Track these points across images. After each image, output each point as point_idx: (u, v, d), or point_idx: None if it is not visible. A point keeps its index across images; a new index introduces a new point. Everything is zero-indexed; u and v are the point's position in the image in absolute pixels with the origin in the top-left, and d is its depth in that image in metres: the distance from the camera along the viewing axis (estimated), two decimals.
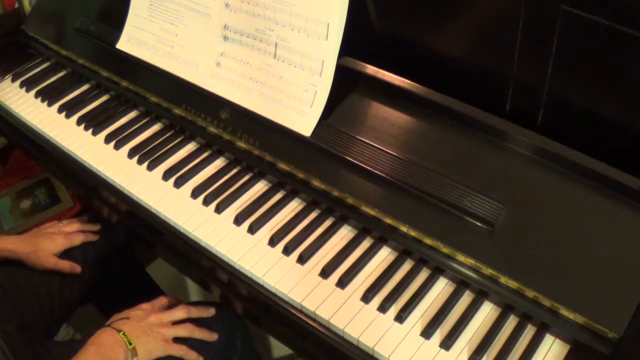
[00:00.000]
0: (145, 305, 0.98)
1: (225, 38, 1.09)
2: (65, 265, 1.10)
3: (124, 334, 0.90)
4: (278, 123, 1.01)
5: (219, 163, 1.08)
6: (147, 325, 0.93)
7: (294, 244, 0.92)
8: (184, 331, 0.96)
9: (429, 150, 0.91)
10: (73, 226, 1.16)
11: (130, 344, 0.89)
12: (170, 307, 1.00)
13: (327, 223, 0.95)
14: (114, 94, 1.26)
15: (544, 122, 0.89)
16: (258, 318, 0.93)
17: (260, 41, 1.04)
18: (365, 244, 0.92)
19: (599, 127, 0.85)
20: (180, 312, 0.98)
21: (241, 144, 1.05)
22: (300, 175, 0.98)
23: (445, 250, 0.85)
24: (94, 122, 1.18)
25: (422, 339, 0.80)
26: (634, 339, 0.73)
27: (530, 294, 0.79)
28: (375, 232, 0.92)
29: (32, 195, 1.67)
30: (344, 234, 0.94)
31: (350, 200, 0.93)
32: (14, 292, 1.05)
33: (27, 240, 1.10)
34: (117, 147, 1.13)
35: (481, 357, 0.77)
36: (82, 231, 1.16)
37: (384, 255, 0.90)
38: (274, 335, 0.95)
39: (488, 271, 0.82)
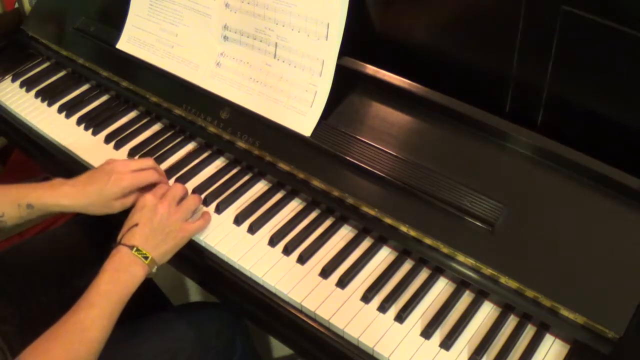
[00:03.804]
0: (149, 199, 0.90)
1: (225, 38, 1.09)
2: (133, 200, 0.94)
3: (137, 249, 0.85)
4: (278, 123, 1.01)
5: (219, 163, 1.08)
6: (159, 224, 0.88)
7: (294, 244, 0.92)
8: (192, 205, 0.93)
9: (429, 150, 0.91)
10: (144, 162, 0.98)
11: (147, 257, 0.85)
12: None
13: (327, 223, 0.95)
14: (114, 94, 1.26)
15: (544, 122, 0.89)
16: (258, 318, 0.93)
17: (260, 41, 1.04)
18: (365, 244, 0.92)
19: (599, 127, 0.85)
20: (180, 189, 0.94)
21: (241, 144, 1.05)
22: (300, 175, 0.98)
23: (445, 250, 0.85)
24: (94, 122, 1.18)
25: (422, 339, 0.80)
26: (634, 339, 0.73)
27: (530, 294, 0.79)
28: (375, 232, 0.92)
29: None
30: (344, 234, 0.94)
31: (350, 200, 0.93)
32: (14, 292, 1.05)
33: (85, 187, 0.93)
34: (117, 147, 1.13)
35: (481, 357, 0.77)
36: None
37: (384, 255, 0.90)
38: (274, 335, 0.95)
39: (488, 271, 0.82)
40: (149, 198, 0.90)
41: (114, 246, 0.87)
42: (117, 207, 0.94)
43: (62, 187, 0.94)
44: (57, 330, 0.78)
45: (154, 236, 0.88)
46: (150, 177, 0.96)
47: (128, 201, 0.95)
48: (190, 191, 1.01)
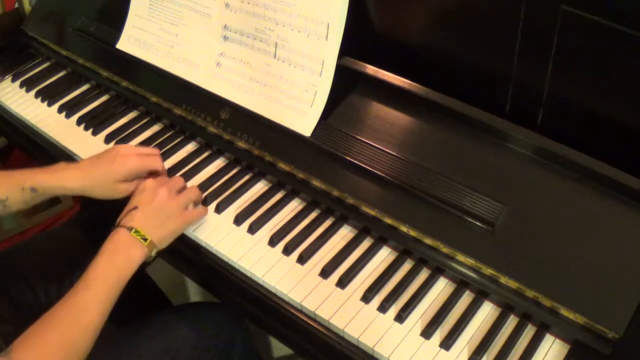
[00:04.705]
0: (150, 183, 0.90)
1: (225, 38, 1.09)
2: (136, 186, 0.93)
3: (135, 231, 0.84)
4: (278, 123, 1.01)
5: (219, 163, 1.08)
6: (158, 206, 0.88)
7: (294, 244, 0.92)
8: (193, 194, 0.93)
9: (429, 150, 0.91)
10: (150, 149, 1.00)
11: (146, 239, 0.85)
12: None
13: (327, 223, 0.95)
14: (114, 94, 1.26)
15: (544, 122, 0.89)
16: (258, 318, 0.93)
17: (260, 41, 1.04)
18: (365, 244, 0.92)
19: (599, 127, 0.85)
20: (180, 180, 0.95)
21: (241, 144, 1.05)
22: (300, 175, 0.98)
23: (445, 250, 0.85)
24: (94, 122, 1.18)
25: (422, 339, 0.80)
26: (634, 339, 0.73)
27: (530, 294, 0.79)
28: (375, 232, 0.92)
29: None
30: (344, 234, 0.94)
31: (350, 200, 0.93)
32: (14, 291, 1.05)
33: (89, 169, 0.93)
34: None
35: (481, 357, 0.77)
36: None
37: (384, 255, 0.90)
38: (274, 335, 0.95)
39: (488, 271, 0.82)
40: (149, 182, 0.91)
41: (112, 229, 0.87)
42: (121, 190, 0.93)
43: (66, 170, 0.93)
44: (52, 314, 0.77)
45: (153, 218, 0.87)
46: (155, 162, 0.96)
47: (132, 187, 0.94)
48: None
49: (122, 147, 0.96)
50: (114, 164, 0.92)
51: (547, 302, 0.78)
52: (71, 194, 0.95)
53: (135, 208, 0.88)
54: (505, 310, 0.83)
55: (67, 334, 0.76)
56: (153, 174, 0.98)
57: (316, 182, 0.96)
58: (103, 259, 0.83)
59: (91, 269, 0.82)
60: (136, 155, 0.94)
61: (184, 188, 0.95)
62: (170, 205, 0.89)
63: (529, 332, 0.81)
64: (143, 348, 0.95)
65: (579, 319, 0.76)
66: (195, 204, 0.96)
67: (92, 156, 0.96)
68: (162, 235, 0.88)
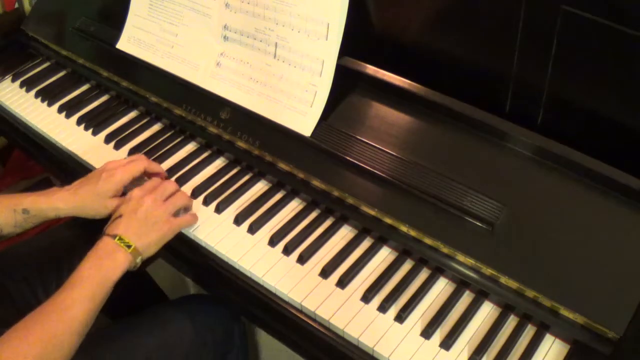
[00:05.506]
0: (136, 192, 0.92)
1: (225, 38, 1.09)
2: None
3: (119, 238, 0.85)
4: (278, 123, 1.01)
5: (219, 163, 1.08)
6: (143, 215, 0.89)
7: (294, 244, 0.92)
8: (179, 201, 0.94)
9: (429, 150, 0.91)
10: (134, 157, 1.02)
11: (129, 246, 0.85)
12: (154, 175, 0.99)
13: (327, 223, 0.95)
14: (114, 94, 1.26)
15: (544, 122, 0.89)
16: (258, 318, 0.93)
17: (260, 41, 1.04)
18: (365, 244, 0.92)
19: (599, 127, 0.85)
20: (170, 185, 0.95)
21: (241, 144, 1.05)
22: (300, 175, 0.98)
23: (445, 250, 0.85)
24: (94, 122, 1.18)
25: (422, 339, 0.80)
26: (634, 339, 0.73)
27: (530, 294, 0.79)
28: (375, 232, 0.92)
29: None
30: (344, 234, 0.94)
31: (350, 200, 0.93)
32: (16, 293, 1.05)
33: (78, 190, 0.95)
34: (117, 147, 1.13)
35: (481, 357, 0.77)
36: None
37: (384, 255, 0.90)
38: (273, 335, 0.95)
39: (488, 271, 0.82)
40: (135, 191, 0.92)
41: (98, 237, 0.87)
42: (112, 206, 0.94)
43: (56, 192, 0.96)
44: (38, 311, 0.78)
45: (138, 226, 0.88)
46: (140, 165, 0.98)
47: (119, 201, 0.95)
48: (190, 191, 1.01)
49: (108, 163, 0.98)
50: (100, 181, 0.94)
51: (547, 302, 0.78)
52: (64, 215, 0.96)
53: (120, 216, 0.89)
54: (505, 310, 0.83)
55: (51, 329, 0.76)
56: (150, 175, 0.98)
57: (316, 182, 0.96)
58: (88, 264, 0.84)
59: (77, 272, 0.83)
60: (121, 167, 0.96)
61: (174, 192, 0.95)
62: (155, 213, 0.90)
63: (529, 332, 0.81)
64: (140, 342, 0.95)
65: (579, 319, 0.76)
66: (186, 209, 0.96)
67: (81, 178, 0.98)
68: (146, 242, 0.88)
